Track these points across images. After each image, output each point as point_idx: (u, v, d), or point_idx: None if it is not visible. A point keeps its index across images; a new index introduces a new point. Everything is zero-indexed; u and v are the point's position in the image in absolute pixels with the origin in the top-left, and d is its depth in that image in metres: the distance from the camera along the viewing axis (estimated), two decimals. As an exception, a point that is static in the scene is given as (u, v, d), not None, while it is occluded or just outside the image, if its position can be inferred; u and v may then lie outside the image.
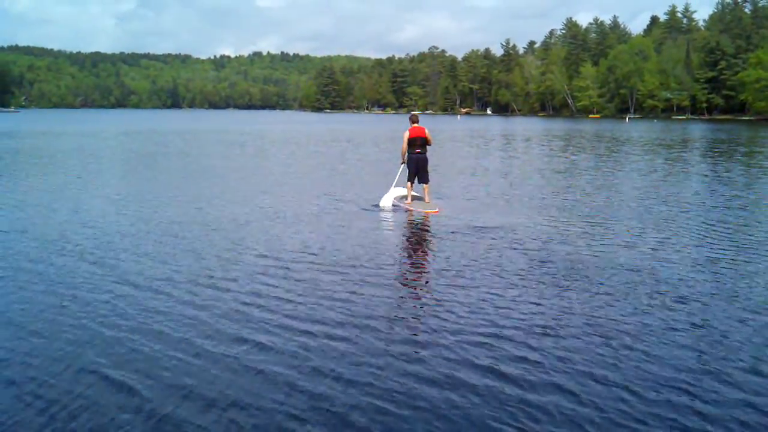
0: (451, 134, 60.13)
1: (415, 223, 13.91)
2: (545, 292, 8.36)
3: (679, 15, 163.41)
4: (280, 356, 6.28)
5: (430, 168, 16.00)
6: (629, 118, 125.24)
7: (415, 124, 15.73)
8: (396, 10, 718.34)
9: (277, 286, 8.64)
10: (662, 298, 8.02)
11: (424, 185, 15.80)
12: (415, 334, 6.90)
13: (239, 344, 6.57)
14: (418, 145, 15.52)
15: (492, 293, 8.30)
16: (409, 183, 15.80)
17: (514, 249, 10.81)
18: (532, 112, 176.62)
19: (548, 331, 6.93)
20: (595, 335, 6.80)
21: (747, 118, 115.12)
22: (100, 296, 8.19)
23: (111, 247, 11.00)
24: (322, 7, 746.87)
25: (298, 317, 7.43)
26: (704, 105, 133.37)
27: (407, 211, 15.14)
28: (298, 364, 6.09)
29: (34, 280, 8.92)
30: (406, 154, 15.70)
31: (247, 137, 54.47)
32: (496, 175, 23.87)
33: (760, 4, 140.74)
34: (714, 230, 12.74)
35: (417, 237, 12.75)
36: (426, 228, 13.24)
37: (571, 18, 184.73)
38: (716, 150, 38.33)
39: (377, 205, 15.82)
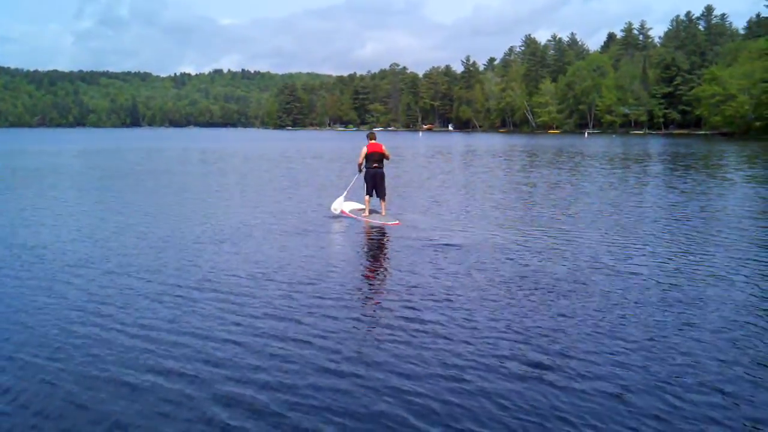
0: (414, 150, 60.36)
1: (375, 235, 14.14)
2: (501, 306, 8.37)
3: (636, 32, 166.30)
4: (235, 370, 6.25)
5: (387, 183, 16.63)
6: (588, 133, 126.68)
7: (373, 141, 16.37)
8: (357, 28, 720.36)
9: (231, 303, 8.53)
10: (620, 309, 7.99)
11: (381, 200, 16.30)
12: (359, 351, 6.82)
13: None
14: (375, 159, 16.19)
15: (448, 309, 8.25)
16: (367, 197, 16.32)
17: (474, 263, 10.86)
18: (492, 128, 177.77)
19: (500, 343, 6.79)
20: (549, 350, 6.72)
21: (703, 132, 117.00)
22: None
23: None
24: (283, 24, 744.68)
25: (254, 332, 7.38)
26: (661, 120, 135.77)
27: (367, 221, 15.60)
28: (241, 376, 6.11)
29: None
30: (365, 169, 16.33)
31: (214, 155, 54.07)
32: (457, 190, 23.91)
33: (713, 21, 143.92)
34: (679, 239, 13.16)
35: (376, 250, 12.95)
36: (385, 241, 13.44)
37: (530, 35, 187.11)
38: (678, 163, 38.90)
39: (330, 212, 16.55)
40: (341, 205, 16.75)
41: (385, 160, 16.45)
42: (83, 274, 10.17)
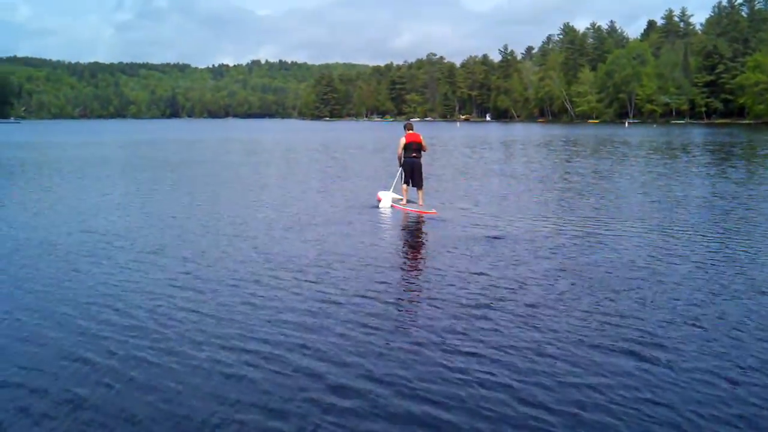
0: (452, 141, 60.11)
1: (412, 224, 14.37)
2: (567, 296, 8.41)
3: (676, 19, 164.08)
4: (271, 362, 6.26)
5: (424, 173, 16.85)
6: (628, 122, 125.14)
7: (410, 131, 16.59)
8: (393, 17, 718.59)
9: (268, 296, 8.61)
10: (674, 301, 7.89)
11: (419, 189, 16.44)
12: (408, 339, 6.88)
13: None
14: (413, 149, 16.41)
15: (486, 301, 8.19)
16: (404, 186, 16.62)
17: (514, 254, 10.80)
18: (530, 118, 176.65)
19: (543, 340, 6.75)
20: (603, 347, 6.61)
21: (746, 121, 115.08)
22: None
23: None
24: (319, 15, 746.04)
25: (295, 322, 7.52)
26: (703, 109, 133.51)
27: (405, 211, 15.76)
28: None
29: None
30: (402, 158, 16.54)
31: (263, 145, 54.63)
32: (499, 180, 23.95)
33: (756, 7, 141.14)
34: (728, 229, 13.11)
35: (414, 239, 13.16)
36: (423, 230, 13.70)
37: (568, 23, 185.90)
38: (724, 153, 38.36)
39: (377, 206, 16.53)
40: (388, 200, 16.71)
41: (423, 151, 16.67)
42: (160, 261, 10.57)
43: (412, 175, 16.42)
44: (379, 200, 16.92)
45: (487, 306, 8.00)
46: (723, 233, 12.83)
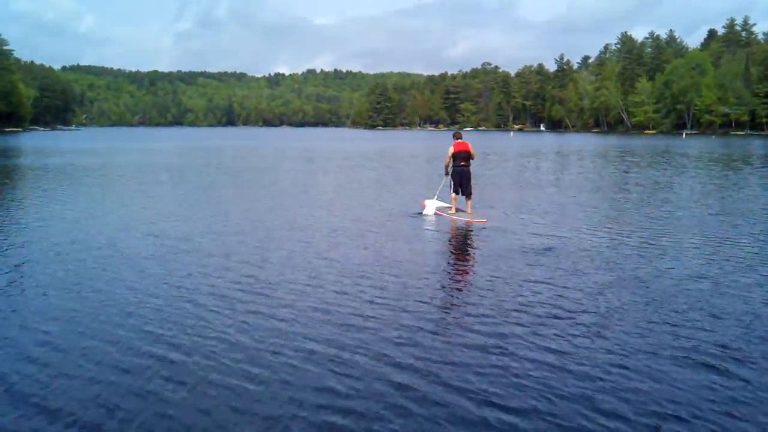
0: (506, 150, 59.86)
1: (464, 233, 14.44)
2: (600, 314, 8.17)
3: (738, 28, 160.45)
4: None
5: (473, 182, 16.95)
6: (686, 134, 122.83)
7: (459, 140, 16.73)
8: (449, 27, 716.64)
9: (335, 302, 8.78)
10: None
11: (467, 198, 16.56)
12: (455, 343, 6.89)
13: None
14: (462, 158, 16.51)
15: (551, 311, 8.24)
16: (453, 195, 16.68)
17: (573, 264, 10.79)
18: (586, 128, 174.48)
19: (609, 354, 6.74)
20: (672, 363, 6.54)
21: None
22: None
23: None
24: (375, 23, 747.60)
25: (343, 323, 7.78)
26: (764, 120, 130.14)
27: (453, 220, 15.86)
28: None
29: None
30: (451, 167, 16.68)
31: (319, 153, 55.09)
32: (553, 189, 23.96)
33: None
34: None
35: (468, 248, 13.20)
36: (477, 239, 13.69)
37: (626, 32, 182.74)
38: None
39: (420, 213, 16.82)
40: (432, 207, 17.02)
41: (471, 159, 16.71)
42: (226, 265, 10.84)
43: (461, 183, 16.51)
44: (424, 207, 17.18)
45: (553, 316, 8.05)
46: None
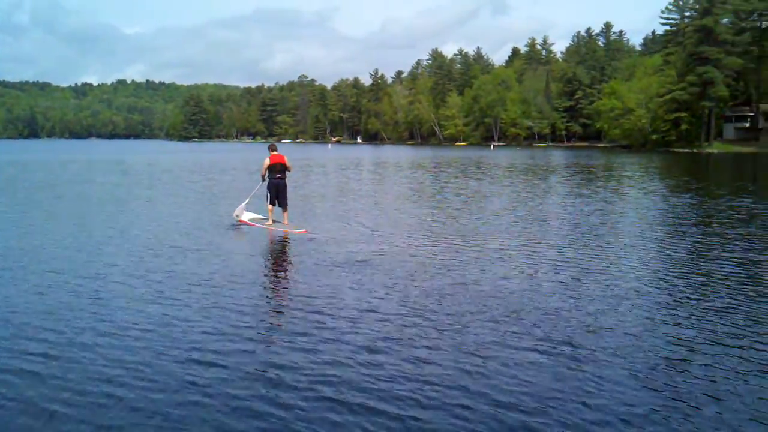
0: (324, 162, 59.73)
1: (283, 244, 14.36)
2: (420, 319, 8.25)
3: (539, 47, 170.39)
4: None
5: (289, 194, 17.16)
6: (494, 145, 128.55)
7: (275, 152, 16.78)
8: (267, 39, 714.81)
9: (127, 313, 8.50)
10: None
11: (284, 210, 16.70)
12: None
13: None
14: (278, 170, 16.61)
15: (350, 322, 8.13)
16: (270, 206, 16.68)
17: (385, 276, 10.72)
18: (401, 141, 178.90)
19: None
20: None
21: (603, 144, 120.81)
22: None
23: None
24: (191, 34, 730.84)
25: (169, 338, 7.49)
26: (563, 132, 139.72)
27: (271, 231, 15.86)
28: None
29: None
30: (267, 179, 16.69)
31: (135, 167, 51.76)
32: (370, 200, 23.86)
33: (612, 38, 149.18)
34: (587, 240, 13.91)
35: (284, 258, 13.08)
36: (293, 249, 13.51)
37: (436, 49, 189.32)
38: (585, 174, 39.88)
39: (238, 224, 16.83)
40: (243, 213, 17.23)
41: (287, 171, 16.85)
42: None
43: (278, 195, 16.59)
44: (236, 217, 17.24)
45: (382, 320, 8.16)
46: (586, 245, 13.59)
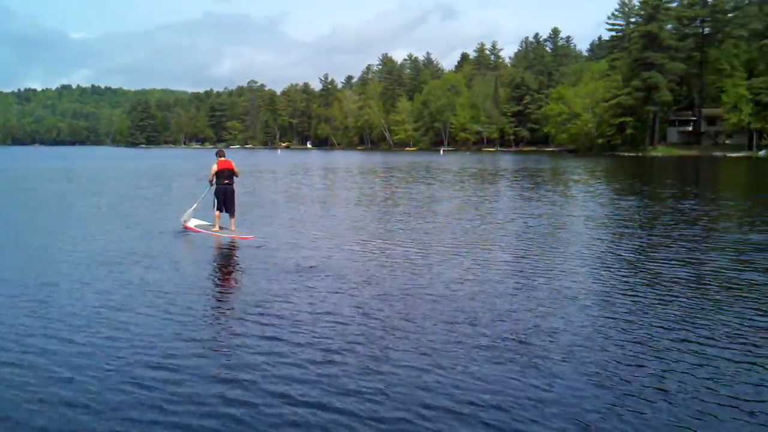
0: (273, 168, 59.14)
1: (230, 250, 14.03)
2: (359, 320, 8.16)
3: (488, 52, 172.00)
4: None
5: (237, 200, 16.85)
6: (443, 150, 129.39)
7: (222, 158, 16.59)
8: (215, 44, 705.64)
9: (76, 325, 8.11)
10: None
11: (231, 216, 16.41)
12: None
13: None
14: (225, 176, 16.36)
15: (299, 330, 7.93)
16: (217, 212, 16.39)
17: (328, 280, 10.63)
18: (351, 146, 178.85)
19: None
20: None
21: (550, 149, 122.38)
22: None
23: None
24: (138, 39, 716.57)
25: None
26: (512, 137, 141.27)
27: (218, 237, 15.62)
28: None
29: None
30: (215, 185, 16.43)
31: (82, 174, 50.22)
32: (321, 206, 23.69)
33: (559, 44, 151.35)
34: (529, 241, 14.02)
35: (232, 265, 12.81)
36: (239, 256, 13.30)
37: (386, 54, 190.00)
38: (533, 177, 40.36)
39: (185, 231, 16.48)
40: (189, 219, 16.96)
41: (234, 177, 16.65)
42: None
43: (225, 201, 16.30)
44: (183, 222, 16.96)
45: (334, 323, 8.09)
46: (535, 247, 13.82)
